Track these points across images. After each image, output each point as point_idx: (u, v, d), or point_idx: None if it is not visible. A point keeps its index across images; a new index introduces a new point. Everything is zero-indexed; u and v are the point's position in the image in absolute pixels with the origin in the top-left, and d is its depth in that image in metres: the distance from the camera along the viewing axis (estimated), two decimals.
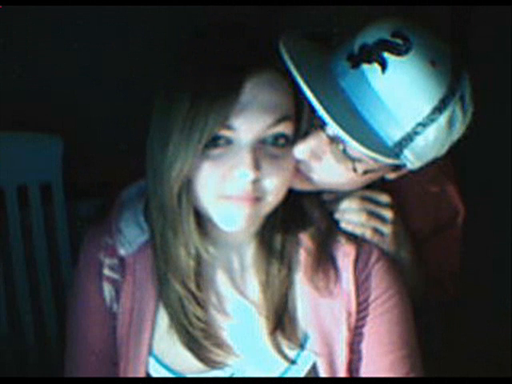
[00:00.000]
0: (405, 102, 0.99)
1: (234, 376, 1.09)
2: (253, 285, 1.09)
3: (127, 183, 1.16)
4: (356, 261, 1.07)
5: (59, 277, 1.61)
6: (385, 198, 1.13)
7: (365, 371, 1.09)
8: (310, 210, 1.11)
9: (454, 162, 1.22)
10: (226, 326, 1.09)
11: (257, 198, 0.99)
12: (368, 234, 1.10)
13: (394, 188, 1.15)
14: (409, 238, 1.18)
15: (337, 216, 1.11)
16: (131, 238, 1.09)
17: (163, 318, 1.08)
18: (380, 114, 1.00)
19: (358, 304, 1.07)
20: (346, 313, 1.07)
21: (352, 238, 1.09)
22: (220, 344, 1.08)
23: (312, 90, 0.96)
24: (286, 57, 0.97)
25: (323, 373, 1.07)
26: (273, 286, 1.07)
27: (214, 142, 0.97)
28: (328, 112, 0.96)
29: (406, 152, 1.03)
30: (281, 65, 0.98)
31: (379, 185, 1.14)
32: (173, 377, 1.09)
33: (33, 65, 1.76)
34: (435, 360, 1.21)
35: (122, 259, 1.09)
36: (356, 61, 1.01)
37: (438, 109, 0.99)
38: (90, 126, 1.80)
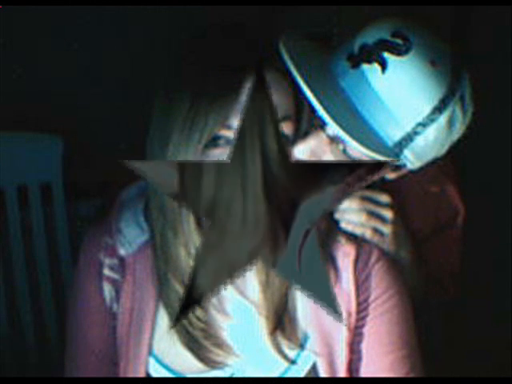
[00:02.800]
0: (405, 102, 0.99)
1: (234, 376, 1.09)
2: (253, 285, 1.09)
3: (127, 183, 1.16)
4: (356, 261, 1.07)
5: (59, 277, 1.61)
6: (385, 198, 1.13)
7: (365, 371, 1.08)
8: None
9: (453, 162, 1.22)
10: (226, 326, 1.09)
11: None
12: (368, 233, 1.10)
13: (394, 188, 1.15)
14: (409, 238, 1.18)
15: (337, 216, 1.11)
16: (131, 238, 1.09)
17: (163, 318, 1.08)
18: (380, 114, 1.00)
19: (358, 304, 1.07)
20: (345, 313, 1.06)
21: (352, 238, 1.09)
22: (220, 344, 1.08)
23: (312, 90, 0.96)
24: (286, 57, 0.97)
25: (323, 373, 1.07)
26: (273, 286, 1.07)
27: (214, 141, 0.97)
28: (328, 112, 0.96)
29: (406, 152, 1.03)
30: (281, 65, 0.98)
31: (379, 185, 1.14)
32: (173, 377, 1.09)
33: (33, 65, 1.76)
34: (435, 360, 1.21)
35: (122, 259, 1.09)
36: (356, 61, 1.01)
37: (438, 109, 0.99)
38: (90, 126, 1.80)
